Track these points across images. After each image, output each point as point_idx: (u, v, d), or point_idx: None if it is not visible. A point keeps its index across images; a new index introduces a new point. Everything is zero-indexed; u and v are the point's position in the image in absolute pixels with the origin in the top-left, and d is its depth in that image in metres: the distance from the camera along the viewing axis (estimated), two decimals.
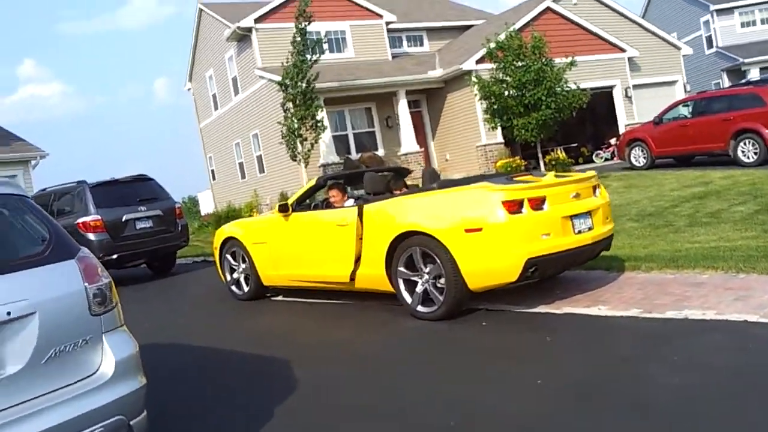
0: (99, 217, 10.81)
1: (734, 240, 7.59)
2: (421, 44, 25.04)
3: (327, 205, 7.48)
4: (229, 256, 8.08)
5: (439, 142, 22.35)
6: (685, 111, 16.27)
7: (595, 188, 6.14)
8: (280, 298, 7.81)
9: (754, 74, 29.43)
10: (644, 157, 17.01)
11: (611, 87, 22.48)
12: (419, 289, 5.88)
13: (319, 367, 4.94)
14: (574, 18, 21.23)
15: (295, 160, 17.81)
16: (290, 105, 17.60)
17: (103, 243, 10.77)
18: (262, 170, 23.22)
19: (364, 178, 6.77)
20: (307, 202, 7.54)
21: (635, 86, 22.72)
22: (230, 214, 21.69)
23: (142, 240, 11.25)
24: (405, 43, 24.77)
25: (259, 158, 23.20)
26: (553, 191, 5.61)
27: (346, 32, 22.29)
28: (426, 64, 22.08)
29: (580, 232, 5.68)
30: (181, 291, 10.14)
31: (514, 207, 5.39)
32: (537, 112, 13.54)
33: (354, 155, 20.91)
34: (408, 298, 5.98)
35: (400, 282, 6.01)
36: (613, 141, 23.58)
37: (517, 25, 17.74)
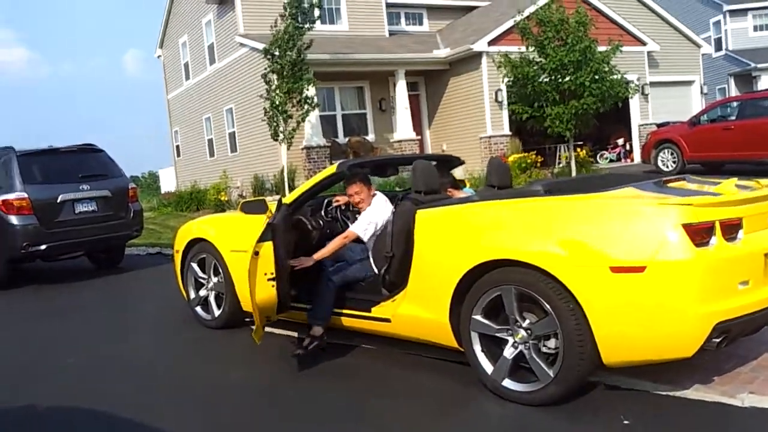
0: (25, 195, 8.28)
1: None
2: (420, 23, 22.66)
3: (344, 208, 5.29)
4: (195, 266, 5.70)
5: (436, 131, 20.05)
6: (728, 112, 14.27)
7: None
8: (268, 329, 5.44)
9: (764, 81, 27.80)
10: (674, 161, 15.03)
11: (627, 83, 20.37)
12: (509, 352, 3.60)
13: None
14: (594, 2, 19.03)
15: (276, 140, 15.35)
16: (274, 77, 15.13)
17: (29, 229, 8.26)
18: (234, 149, 20.69)
19: (415, 168, 4.44)
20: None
21: (651, 83, 20.69)
22: (194, 195, 19.23)
23: (83, 227, 8.74)
24: (403, 20, 22.35)
25: (232, 135, 20.66)
26: (749, 211, 3.38)
27: (341, 2, 19.81)
28: (427, 44, 19.72)
29: None
30: (127, 298, 7.67)
31: (700, 235, 3.16)
32: (578, 100, 11.31)
33: (341, 139, 18.56)
34: (486, 365, 3.69)
35: (475, 338, 3.73)
36: (620, 141, 21.65)
37: (528, 10, 15.35)
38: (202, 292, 5.65)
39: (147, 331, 5.92)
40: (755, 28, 29.20)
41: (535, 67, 11.47)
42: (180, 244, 5.85)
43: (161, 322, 6.10)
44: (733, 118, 13.92)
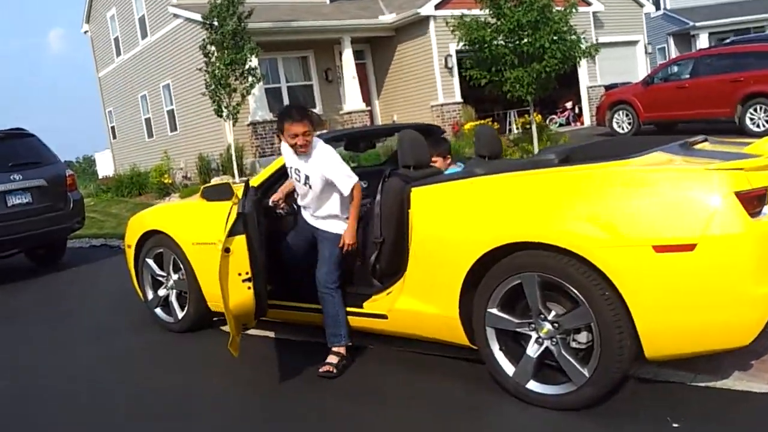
0: None
1: None
2: None
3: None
4: (151, 262, 5.06)
5: (386, 101, 19.47)
6: (682, 71, 14.14)
7: None
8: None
9: (703, 40, 28.10)
10: (629, 123, 14.91)
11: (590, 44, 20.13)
12: (533, 350, 3.16)
13: None
14: None
15: (220, 116, 14.51)
16: (213, 48, 14.24)
17: None
18: (174, 128, 19.68)
19: (402, 140, 3.91)
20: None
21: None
22: (135, 179, 18.18)
23: (17, 222, 7.89)
24: None
25: (171, 113, 19.63)
26: None
27: None
28: (371, 10, 19.01)
29: None
30: (72, 300, 6.93)
31: (753, 204, 2.75)
32: (539, 62, 10.87)
33: None
34: (507, 366, 3.24)
35: (491, 335, 3.27)
36: (568, 105, 21.53)
37: None
38: (162, 292, 5.02)
39: (98, 338, 5.22)
40: None
41: (490, 30, 10.98)
42: (132, 238, 5.18)
43: (115, 327, 5.43)
44: (687, 76, 13.80)
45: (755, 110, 12.57)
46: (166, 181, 16.45)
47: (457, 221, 3.32)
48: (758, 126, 12.54)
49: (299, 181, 3.96)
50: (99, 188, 20.94)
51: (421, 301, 3.52)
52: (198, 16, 14.75)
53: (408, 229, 3.57)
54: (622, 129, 14.98)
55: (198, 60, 15.02)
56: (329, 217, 3.99)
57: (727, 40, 18.61)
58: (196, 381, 4.03)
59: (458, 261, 3.27)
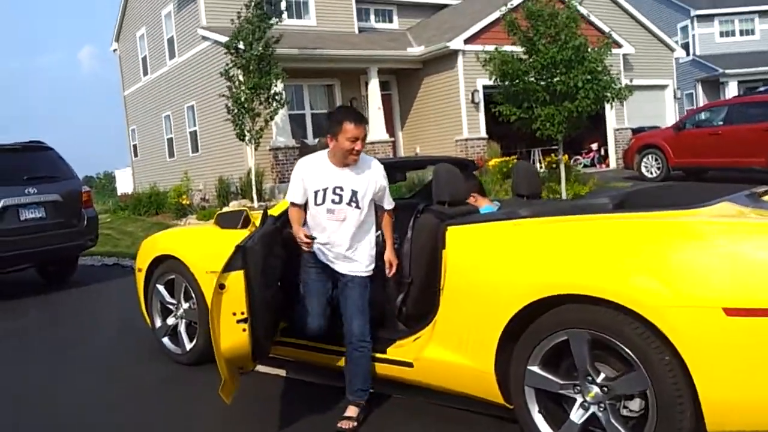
0: None
1: None
2: (390, 20, 21.87)
3: None
4: (162, 288, 4.79)
5: (409, 133, 19.27)
6: (715, 117, 13.81)
7: None
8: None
9: (732, 87, 27.80)
10: (658, 167, 14.55)
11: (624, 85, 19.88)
12: (577, 415, 2.82)
13: None
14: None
15: (243, 140, 14.36)
16: (239, 72, 14.14)
17: None
18: (196, 149, 19.57)
19: (438, 174, 3.63)
20: None
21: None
22: (154, 198, 18.02)
23: (29, 236, 7.70)
24: (372, 17, 21.52)
25: (194, 135, 19.54)
26: None
27: None
28: (399, 41, 18.93)
29: None
30: (79, 322, 6.64)
31: None
32: (572, 101, 10.60)
33: (311, 140, 17.65)
34: (546, 430, 2.90)
35: (530, 395, 2.94)
36: (594, 146, 21.22)
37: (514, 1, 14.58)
38: (171, 320, 4.73)
39: (101, 367, 4.93)
40: (721, 34, 29.19)
41: (523, 65, 10.75)
42: (143, 262, 4.92)
43: (119, 355, 5.14)
44: (720, 123, 13.47)
45: None
46: (184, 202, 16.27)
47: (499, 266, 3.01)
48: None
49: (337, 202, 3.38)
50: (117, 205, 20.83)
51: (453, 350, 3.20)
52: (225, 39, 14.68)
53: (441, 270, 3.27)
54: (651, 173, 14.64)
55: (224, 83, 14.94)
56: (361, 254, 3.48)
57: (762, 88, 18.28)
58: (198, 426, 3.71)
59: (498, 310, 2.96)
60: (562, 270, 2.79)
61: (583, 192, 10.45)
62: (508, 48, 11.60)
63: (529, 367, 2.90)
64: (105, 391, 4.35)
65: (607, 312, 2.66)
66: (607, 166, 20.29)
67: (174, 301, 4.70)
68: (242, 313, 3.26)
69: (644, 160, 14.78)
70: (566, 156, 12.01)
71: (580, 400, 2.82)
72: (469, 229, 3.21)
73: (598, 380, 2.77)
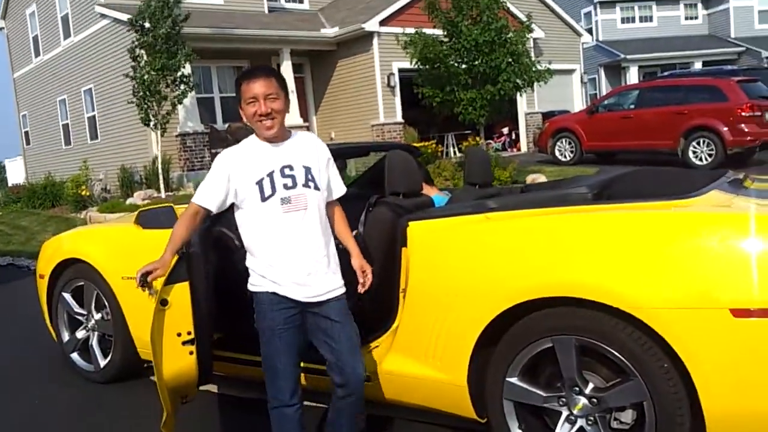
0: None
1: None
2: (301, 0, 21.21)
3: None
4: (69, 297, 4.19)
5: (324, 117, 18.77)
6: (627, 101, 14.11)
7: None
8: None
9: (633, 73, 28.81)
10: (571, 151, 14.76)
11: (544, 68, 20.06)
12: (563, 430, 2.54)
13: None
14: None
15: (147, 125, 13.46)
16: (143, 52, 13.22)
17: None
18: (95, 136, 18.32)
19: (391, 162, 3.25)
20: None
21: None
22: (50, 189, 16.72)
23: None
24: None
25: (92, 120, 18.27)
26: None
27: None
28: (312, 22, 18.33)
29: None
30: None
31: None
32: (493, 84, 10.45)
33: (220, 125, 16.84)
34: None
35: (509, 409, 2.63)
36: (505, 130, 21.45)
37: None
38: (80, 334, 4.15)
39: None
40: (622, 20, 30.19)
41: (445, 48, 10.52)
42: (46, 267, 4.29)
43: (20, 373, 4.50)
44: (632, 107, 13.77)
45: (698, 143, 12.60)
46: (83, 193, 15.14)
47: (472, 266, 2.68)
48: (700, 159, 12.58)
49: (291, 186, 2.52)
50: (8, 197, 19.25)
51: (418, 361, 2.85)
52: (127, 17, 13.68)
53: (401, 271, 2.91)
54: (565, 157, 14.84)
55: (125, 64, 13.93)
56: (333, 260, 2.64)
57: (665, 74, 18.92)
58: None
59: (472, 316, 2.63)
60: (546, 270, 2.49)
61: (504, 177, 10.37)
62: (428, 31, 11.36)
63: (508, 379, 2.59)
64: (3, 416, 3.74)
65: (598, 316, 2.38)
66: (519, 150, 20.53)
67: (84, 312, 4.12)
68: (188, 333, 2.79)
69: (558, 143, 14.95)
70: (479, 140, 11.94)
71: (566, 413, 2.54)
72: (434, 225, 2.85)
73: (587, 391, 2.49)
